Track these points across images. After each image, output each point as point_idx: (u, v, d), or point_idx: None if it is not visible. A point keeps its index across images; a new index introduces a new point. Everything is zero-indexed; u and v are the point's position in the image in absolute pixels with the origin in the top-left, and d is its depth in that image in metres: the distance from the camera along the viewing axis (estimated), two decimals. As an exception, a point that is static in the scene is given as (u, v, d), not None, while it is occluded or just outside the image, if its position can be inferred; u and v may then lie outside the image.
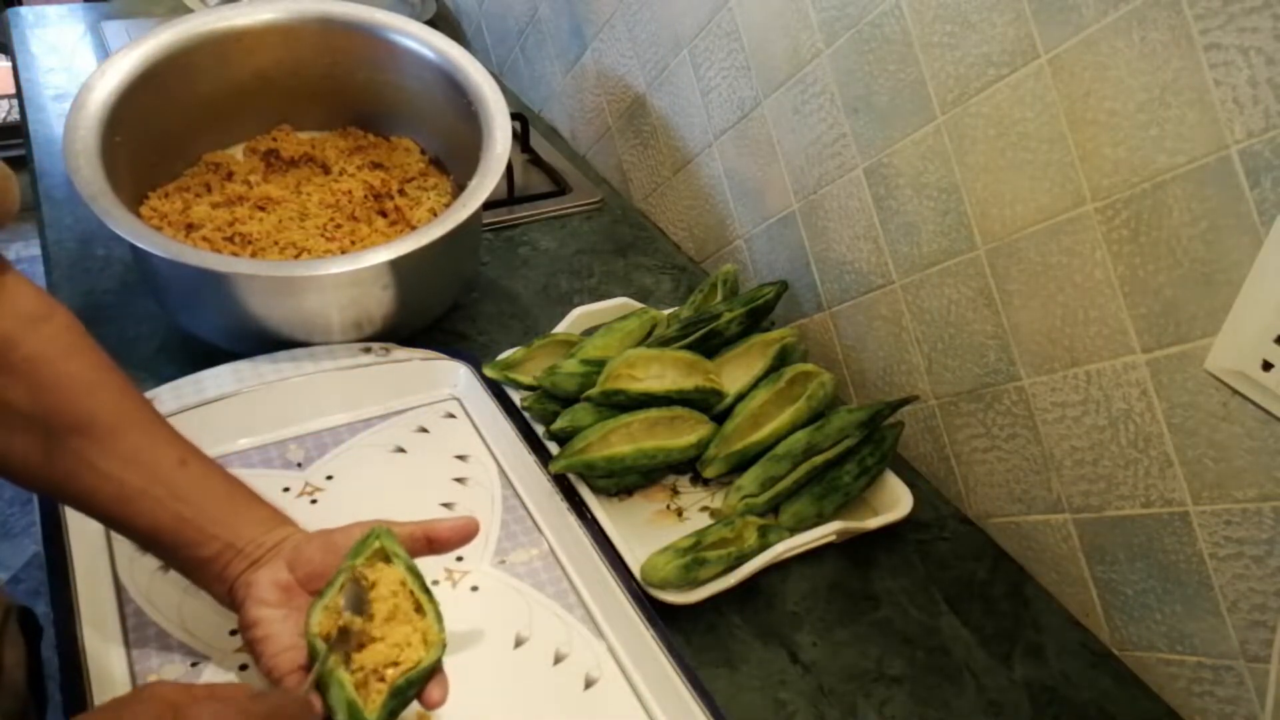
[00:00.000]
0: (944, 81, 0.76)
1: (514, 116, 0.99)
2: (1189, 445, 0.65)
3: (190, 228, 0.93)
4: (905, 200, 0.82)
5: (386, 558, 0.60)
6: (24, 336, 0.56)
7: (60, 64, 1.40)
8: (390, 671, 0.56)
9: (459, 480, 0.79)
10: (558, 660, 0.66)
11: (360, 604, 0.57)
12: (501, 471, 0.80)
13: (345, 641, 0.56)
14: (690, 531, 0.74)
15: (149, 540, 0.59)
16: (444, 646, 0.57)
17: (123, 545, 0.69)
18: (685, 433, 0.81)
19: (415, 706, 0.60)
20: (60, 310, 0.58)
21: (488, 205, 0.90)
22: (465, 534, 0.63)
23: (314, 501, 0.75)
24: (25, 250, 2.58)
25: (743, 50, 0.98)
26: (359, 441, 0.81)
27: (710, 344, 0.86)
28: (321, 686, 0.55)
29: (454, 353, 0.89)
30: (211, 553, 0.58)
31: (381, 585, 0.58)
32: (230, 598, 0.59)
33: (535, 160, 1.28)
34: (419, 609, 0.59)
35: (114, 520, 0.59)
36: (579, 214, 1.19)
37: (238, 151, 1.06)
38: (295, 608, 0.58)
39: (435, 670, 0.58)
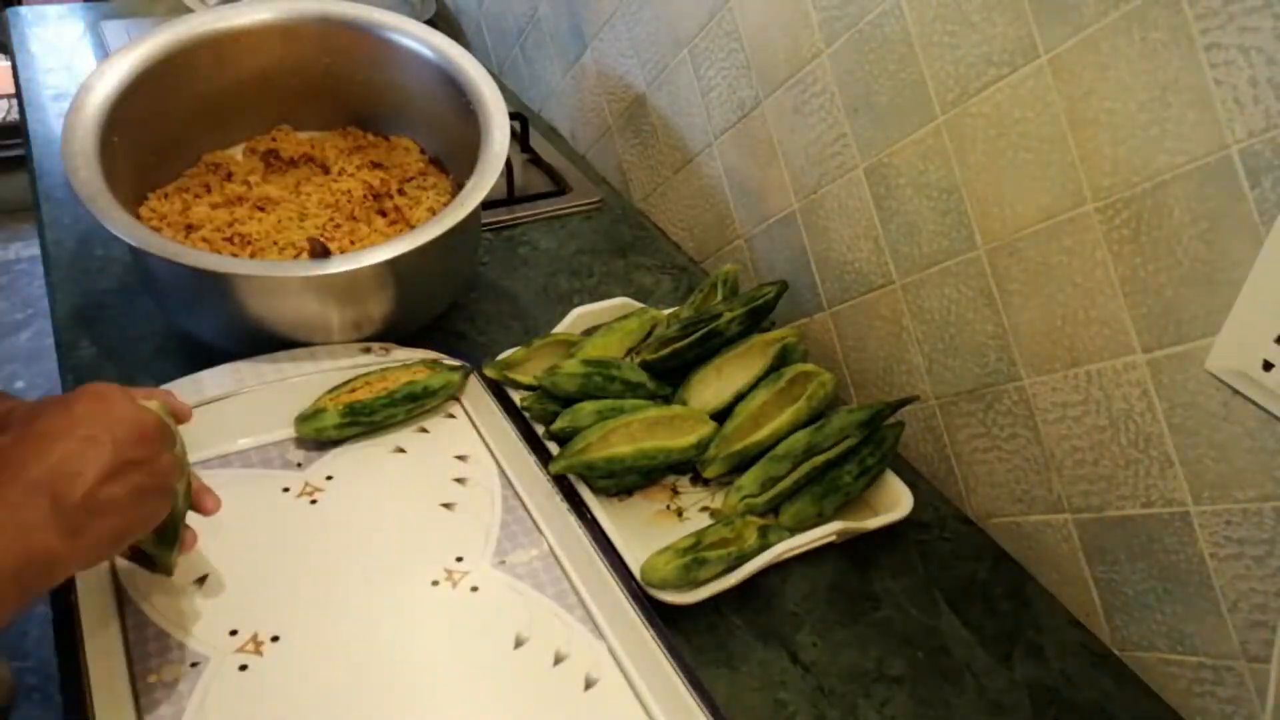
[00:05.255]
0: (944, 81, 0.76)
1: (514, 116, 0.99)
2: (1189, 445, 0.65)
3: (190, 228, 0.93)
4: (905, 200, 0.82)
5: None
6: None
7: (60, 64, 1.40)
8: None
9: (459, 480, 0.79)
10: (558, 661, 0.66)
11: None
12: (501, 471, 0.80)
13: None
14: (690, 531, 0.74)
15: None
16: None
17: (122, 546, 0.70)
18: (685, 433, 0.81)
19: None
20: None
21: (488, 205, 0.90)
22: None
23: (314, 502, 0.75)
24: (25, 250, 2.58)
25: (743, 50, 0.98)
26: (359, 441, 0.81)
27: (710, 344, 0.86)
28: None
29: (454, 353, 0.89)
30: None
31: None
32: None
33: (535, 160, 1.28)
34: None
35: None
36: (579, 214, 1.19)
37: (237, 152, 1.06)
38: None
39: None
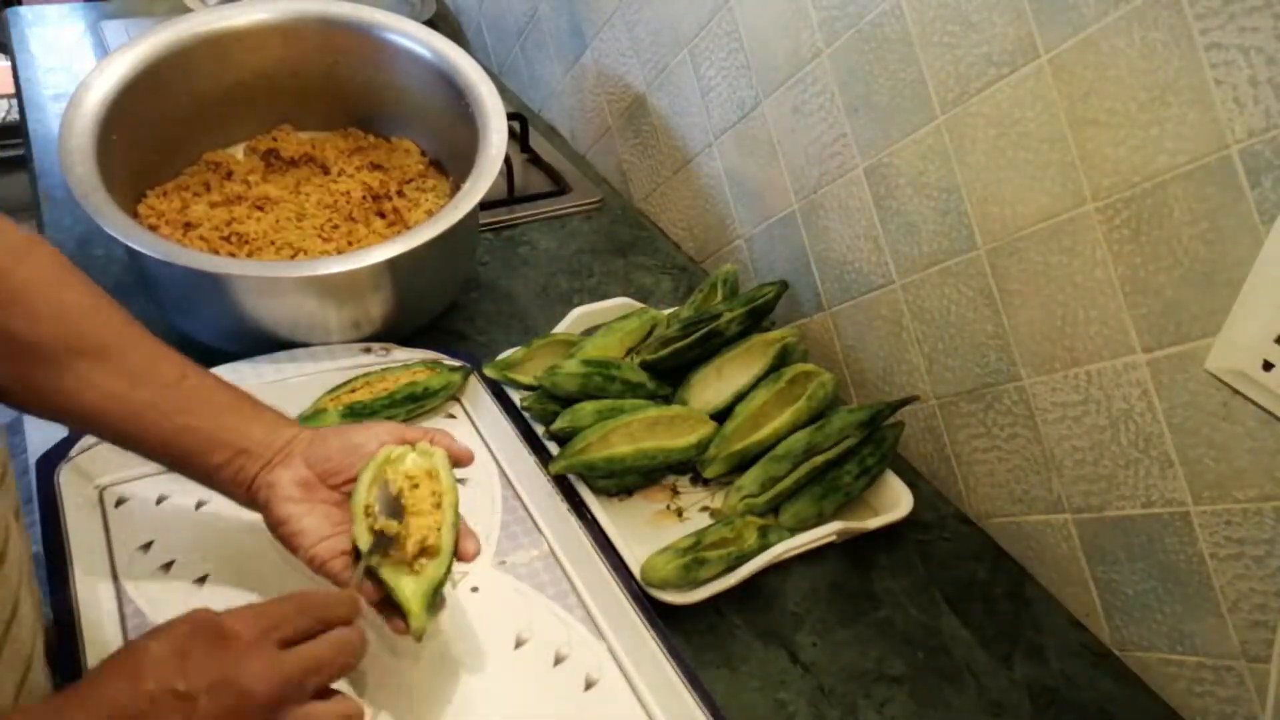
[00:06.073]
0: (944, 81, 0.76)
1: (513, 116, 0.99)
2: (1189, 445, 0.65)
3: (188, 226, 0.93)
4: (905, 200, 0.82)
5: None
6: (14, 267, 0.57)
7: (60, 64, 1.40)
8: (422, 560, 0.60)
9: (459, 480, 0.79)
10: (558, 661, 0.66)
11: (395, 509, 0.61)
12: (501, 472, 0.80)
13: (382, 544, 0.60)
14: (690, 531, 0.74)
15: (160, 452, 0.62)
16: (456, 527, 0.62)
17: (122, 545, 0.69)
18: (685, 433, 0.81)
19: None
20: (42, 242, 0.60)
21: (488, 205, 0.90)
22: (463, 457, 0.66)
23: (314, 502, 0.75)
24: (25, 250, 2.58)
25: (743, 50, 0.98)
26: (359, 442, 0.81)
27: (710, 344, 0.86)
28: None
29: (454, 353, 0.89)
30: (223, 459, 0.61)
31: (403, 480, 0.63)
32: (251, 499, 0.62)
33: (535, 160, 1.28)
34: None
35: (124, 437, 0.61)
36: (579, 214, 1.19)
37: (238, 151, 1.06)
38: (319, 500, 0.62)
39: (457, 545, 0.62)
